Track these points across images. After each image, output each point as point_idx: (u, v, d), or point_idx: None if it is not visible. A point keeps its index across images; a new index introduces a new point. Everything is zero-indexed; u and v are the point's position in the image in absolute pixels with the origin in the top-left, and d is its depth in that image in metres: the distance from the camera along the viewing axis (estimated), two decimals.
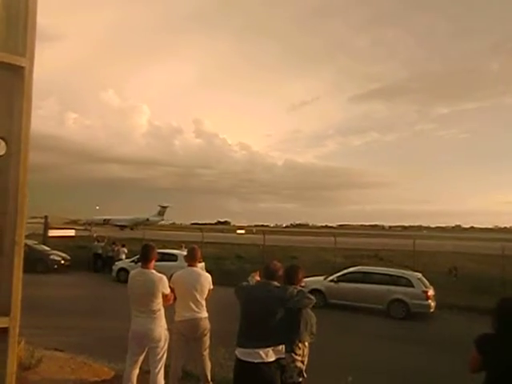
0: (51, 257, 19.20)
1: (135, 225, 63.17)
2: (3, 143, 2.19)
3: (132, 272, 4.38)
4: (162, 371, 4.19)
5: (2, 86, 2.15)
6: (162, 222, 72.95)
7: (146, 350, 4.16)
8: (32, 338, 5.17)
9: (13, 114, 2.18)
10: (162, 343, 4.12)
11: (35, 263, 16.90)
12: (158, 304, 4.08)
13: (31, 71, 2.12)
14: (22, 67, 2.06)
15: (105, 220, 63.74)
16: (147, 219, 69.56)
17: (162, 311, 4.16)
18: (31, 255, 15.65)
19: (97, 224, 46.90)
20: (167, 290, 4.18)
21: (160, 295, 4.08)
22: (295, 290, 3.57)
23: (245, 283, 4.00)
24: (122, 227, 57.06)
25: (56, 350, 6.29)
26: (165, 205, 75.94)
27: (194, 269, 4.74)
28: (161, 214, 75.08)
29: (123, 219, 66.80)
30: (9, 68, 2.06)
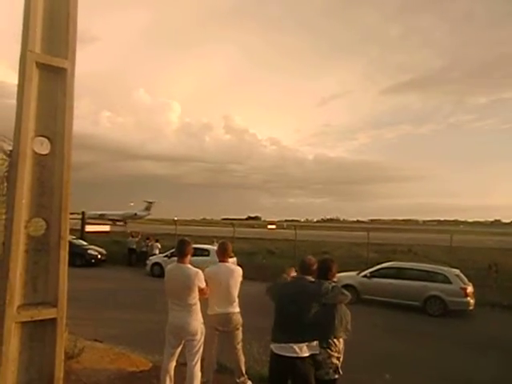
0: (89, 251, 20.00)
1: (127, 219, 68.45)
2: (47, 142, 2.29)
3: (168, 267, 4.47)
4: (199, 364, 4.27)
5: (46, 87, 2.25)
6: (149, 217, 78.13)
7: (183, 342, 4.26)
8: (73, 328, 5.38)
9: (56, 115, 2.29)
10: (198, 336, 4.20)
11: (74, 257, 17.64)
12: (195, 298, 4.16)
13: (73, 73, 2.22)
14: (65, 69, 2.16)
15: (100, 215, 67.90)
16: (135, 214, 75.71)
17: (198, 305, 4.23)
18: (71, 250, 16.30)
19: (93, 218, 50.46)
20: (203, 284, 4.24)
21: (196, 289, 4.15)
22: (330, 286, 3.54)
23: (278, 281, 3.99)
24: (115, 221, 60.41)
25: (96, 340, 6.52)
26: (151, 200, 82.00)
27: (227, 264, 4.77)
28: (147, 208, 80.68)
29: (116, 214, 71.83)
30: (52, 70, 2.16)
